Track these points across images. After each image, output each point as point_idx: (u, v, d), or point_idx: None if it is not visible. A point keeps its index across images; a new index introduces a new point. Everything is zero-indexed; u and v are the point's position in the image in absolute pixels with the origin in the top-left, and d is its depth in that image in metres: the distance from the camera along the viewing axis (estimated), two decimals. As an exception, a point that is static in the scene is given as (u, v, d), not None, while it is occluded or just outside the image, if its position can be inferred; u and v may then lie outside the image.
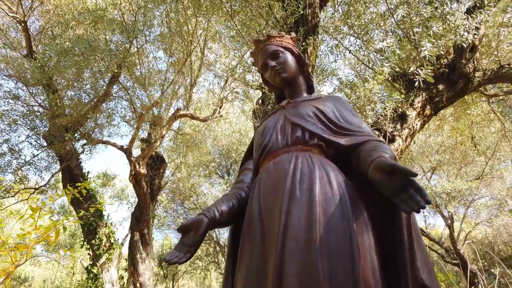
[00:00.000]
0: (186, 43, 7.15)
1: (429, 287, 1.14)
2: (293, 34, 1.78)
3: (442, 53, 4.18)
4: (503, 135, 6.87)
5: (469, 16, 3.98)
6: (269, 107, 3.72)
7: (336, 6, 5.15)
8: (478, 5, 4.37)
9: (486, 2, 3.96)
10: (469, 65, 4.29)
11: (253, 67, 4.19)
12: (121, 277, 7.67)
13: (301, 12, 3.62)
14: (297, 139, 1.48)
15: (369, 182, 1.25)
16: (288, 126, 1.55)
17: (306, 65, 1.77)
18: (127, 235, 15.57)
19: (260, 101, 3.96)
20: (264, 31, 4.01)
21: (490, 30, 4.88)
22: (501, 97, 6.99)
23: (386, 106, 3.87)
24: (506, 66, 4.49)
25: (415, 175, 1.03)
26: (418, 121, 4.13)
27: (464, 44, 3.97)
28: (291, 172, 1.35)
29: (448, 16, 4.02)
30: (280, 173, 1.38)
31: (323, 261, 1.10)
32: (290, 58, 1.74)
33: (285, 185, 1.31)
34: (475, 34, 4.05)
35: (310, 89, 1.80)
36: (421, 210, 1.01)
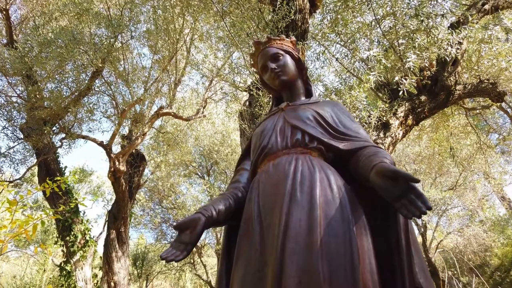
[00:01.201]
0: (172, 41, 7.09)
1: None
2: (293, 38, 1.80)
3: (426, 65, 4.29)
4: (478, 148, 7.09)
5: (453, 31, 4.11)
6: (256, 109, 3.74)
7: (325, 13, 5.22)
8: (462, 20, 4.52)
9: (470, 19, 4.10)
10: (451, 78, 4.42)
11: (241, 69, 4.21)
12: (95, 276, 7.51)
13: (292, 17, 3.66)
14: (297, 141, 1.49)
15: (367, 187, 1.28)
16: (288, 128, 1.56)
17: (305, 69, 1.79)
18: (101, 233, 15.26)
19: (247, 103, 3.97)
20: (254, 34, 4.03)
21: (470, 45, 5.05)
22: (477, 111, 7.23)
23: (371, 114, 3.95)
24: (486, 81, 4.65)
25: (417, 181, 1.06)
26: (400, 130, 4.22)
27: (447, 58, 4.09)
28: (291, 173, 1.35)
29: (432, 30, 4.14)
30: (280, 175, 1.39)
31: (323, 263, 1.11)
32: (290, 62, 1.76)
33: (286, 187, 1.32)
34: (457, 48, 4.18)
35: (308, 93, 1.82)
36: (422, 215, 1.04)
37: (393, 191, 1.14)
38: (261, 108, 3.72)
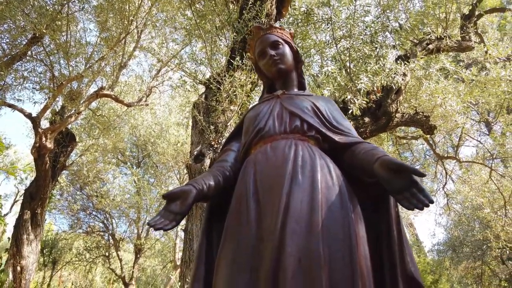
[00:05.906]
0: (125, 22, 6.79)
1: (417, 279, 1.24)
2: (292, 30, 1.85)
3: (374, 89, 4.59)
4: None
5: (402, 63, 4.46)
6: (213, 103, 3.71)
7: (286, 24, 5.37)
8: (409, 54, 4.93)
9: (418, 54, 4.48)
10: (393, 106, 4.77)
11: (202, 59, 4.17)
12: (-1, 258, 6.82)
13: (262, 19, 3.72)
14: (296, 128, 1.52)
15: (359, 179, 1.34)
16: (286, 114, 1.57)
17: (301, 62, 1.83)
18: (7, 213, 13.97)
19: (203, 96, 3.93)
20: (220, 29, 4.02)
21: (411, 79, 5.51)
22: (405, 141, 7.84)
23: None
24: (421, 113, 5.09)
25: (423, 175, 1.14)
26: (343, 146, 4.44)
27: (393, 86, 4.42)
28: (292, 157, 1.37)
29: (381, 58, 4.46)
30: (280, 157, 1.39)
31: (324, 245, 1.14)
32: (288, 52, 1.78)
33: (287, 168, 1.33)
34: (402, 79, 4.54)
35: (301, 86, 1.86)
36: (424, 208, 1.12)
37: (396, 183, 1.19)
38: (218, 103, 3.71)
